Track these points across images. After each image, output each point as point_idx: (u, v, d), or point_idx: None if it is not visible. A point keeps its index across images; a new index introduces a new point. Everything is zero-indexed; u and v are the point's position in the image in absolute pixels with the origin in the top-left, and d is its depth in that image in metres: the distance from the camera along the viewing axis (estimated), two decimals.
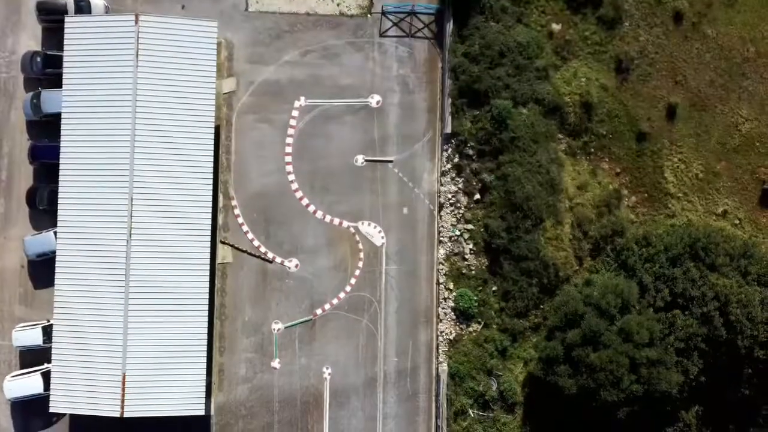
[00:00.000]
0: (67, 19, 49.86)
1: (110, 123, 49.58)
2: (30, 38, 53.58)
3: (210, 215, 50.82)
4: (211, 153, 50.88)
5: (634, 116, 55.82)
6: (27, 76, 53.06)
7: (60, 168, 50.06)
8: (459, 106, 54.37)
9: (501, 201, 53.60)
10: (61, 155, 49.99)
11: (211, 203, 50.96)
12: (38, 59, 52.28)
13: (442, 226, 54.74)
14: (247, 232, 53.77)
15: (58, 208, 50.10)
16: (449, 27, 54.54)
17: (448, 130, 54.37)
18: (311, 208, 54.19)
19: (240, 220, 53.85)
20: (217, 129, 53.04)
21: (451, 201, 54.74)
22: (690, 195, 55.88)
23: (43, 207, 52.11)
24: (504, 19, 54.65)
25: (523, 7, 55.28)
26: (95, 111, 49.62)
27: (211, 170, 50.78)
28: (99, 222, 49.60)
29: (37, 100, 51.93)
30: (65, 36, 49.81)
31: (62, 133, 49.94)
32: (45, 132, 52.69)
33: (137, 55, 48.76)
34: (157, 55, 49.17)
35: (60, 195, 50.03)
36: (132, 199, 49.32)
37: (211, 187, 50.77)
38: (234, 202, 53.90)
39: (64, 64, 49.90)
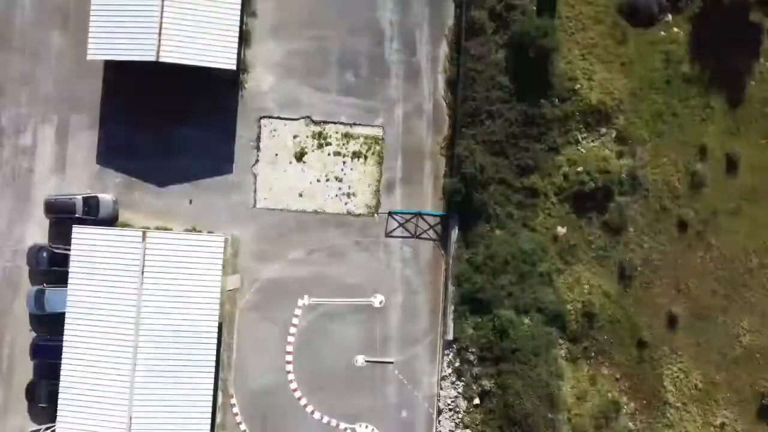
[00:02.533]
0: (74, 229, 50.15)
1: (113, 330, 49.79)
2: (37, 228, 53.80)
3: (210, 415, 50.87)
4: (214, 356, 50.98)
5: (636, 323, 55.92)
6: (32, 269, 53.31)
7: (61, 371, 50.20)
8: (461, 312, 54.55)
9: (500, 411, 53.61)
10: (63, 360, 50.16)
11: (211, 403, 51.07)
12: (44, 255, 52.51)
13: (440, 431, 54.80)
14: None
15: (58, 410, 50.17)
16: (454, 234, 54.83)
17: (450, 336, 54.53)
18: (309, 408, 54.21)
19: (238, 418, 53.87)
20: (220, 326, 53.18)
21: (450, 406, 54.79)
22: (689, 405, 55.90)
23: (42, 404, 52.18)
24: (509, 225, 54.91)
25: (528, 211, 55.60)
26: (99, 318, 49.81)
27: (213, 373, 50.95)
28: (98, 427, 49.77)
29: (41, 297, 52.14)
30: (72, 244, 50.11)
31: (65, 338, 50.11)
32: (48, 326, 52.80)
33: (143, 272, 49.07)
34: (163, 269, 49.49)
35: (60, 398, 50.11)
36: (132, 406, 49.44)
37: (211, 390, 50.96)
38: (233, 401, 53.93)
39: (70, 272, 50.11)
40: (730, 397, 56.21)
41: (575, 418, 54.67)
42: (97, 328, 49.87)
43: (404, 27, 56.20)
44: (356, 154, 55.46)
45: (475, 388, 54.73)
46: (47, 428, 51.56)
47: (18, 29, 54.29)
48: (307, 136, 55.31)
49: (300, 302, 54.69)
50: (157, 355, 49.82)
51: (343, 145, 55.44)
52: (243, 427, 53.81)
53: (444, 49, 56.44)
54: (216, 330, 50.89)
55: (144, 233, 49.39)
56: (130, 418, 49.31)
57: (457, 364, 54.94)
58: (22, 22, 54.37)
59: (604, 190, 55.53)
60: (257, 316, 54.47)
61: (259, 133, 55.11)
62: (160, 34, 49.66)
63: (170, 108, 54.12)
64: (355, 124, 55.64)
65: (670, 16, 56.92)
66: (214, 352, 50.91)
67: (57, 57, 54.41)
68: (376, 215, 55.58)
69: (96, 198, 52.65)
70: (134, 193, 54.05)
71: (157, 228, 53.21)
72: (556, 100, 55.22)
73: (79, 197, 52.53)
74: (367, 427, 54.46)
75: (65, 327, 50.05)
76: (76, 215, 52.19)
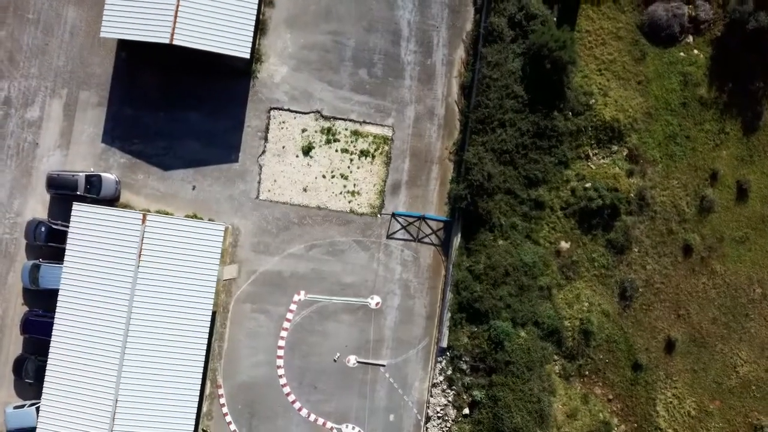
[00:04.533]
0: (74, 206, 49.67)
1: (105, 310, 49.29)
2: (37, 202, 53.35)
3: (196, 403, 50.35)
4: (204, 345, 50.45)
5: (633, 345, 55.28)
6: (29, 243, 52.85)
7: (50, 348, 49.72)
8: (457, 320, 53.92)
9: (489, 423, 52.96)
10: (53, 336, 49.65)
11: (198, 391, 50.55)
12: (42, 230, 52.00)
13: None
14: (230, 423, 53.26)
15: (44, 388, 49.70)
16: (456, 240, 54.22)
17: (444, 344, 53.90)
18: (297, 405, 53.66)
19: (225, 409, 53.34)
20: (213, 315, 52.68)
21: (439, 414, 54.16)
22: None
23: (28, 380, 51.72)
24: (513, 235, 54.29)
25: (533, 224, 54.98)
26: (92, 297, 49.34)
27: (202, 361, 50.42)
28: (84, 406, 49.34)
29: (36, 273, 51.65)
30: (71, 221, 49.62)
31: (57, 315, 49.59)
32: (41, 302, 52.37)
33: (140, 254, 48.57)
34: (161, 254, 48.99)
35: (47, 376, 49.64)
36: (119, 389, 48.96)
37: (200, 378, 50.42)
38: (221, 391, 53.40)
39: (67, 249, 49.63)
40: (723, 427, 55.51)
41: None
42: (89, 307, 49.35)
43: (422, 28, 55.67)
44: (364, 153, 54.91)
45: (465, 397, 54.11)
46: (32, 404, 51.11)
47: (34, 1, 53.88)
48: (315, 131, 54.78)
49: (296, 297, 54.14)
50: (148, 339, 49.32)
51: (352, 142, 54.90)
52: (229, 418, 53.30)
53: (460, 53, 55.89)
54: (209, 319, 50.36)
55: (144, 216, 48.90)
56: (116, 401, 48.88)
57: (449, 372, 54.31)
58: None
59: (611, 208, 54.94)
60: (252, 308, 53.91)
61: (268, 124, 54.60)
62: (175, 16, 49.21)
63: (180, 92, 53.68)
64: (365, 122, 55.10)
65: (691, 38, 56.25)
66: (206, 341, 50.37)
67: (71, 32, 54.00)
68: (379, 216, 55.01)
69: (98, 176, 52.19)
70: (138, 174, 53.60)
71: (158, 211, 52.79)
72: (570, 114, 54.67)
73: (82, 175, 52.10)
74: (354, 428, 53.86)
75: (58, 304, 49.55)
76: (78, 192, 51.75)
